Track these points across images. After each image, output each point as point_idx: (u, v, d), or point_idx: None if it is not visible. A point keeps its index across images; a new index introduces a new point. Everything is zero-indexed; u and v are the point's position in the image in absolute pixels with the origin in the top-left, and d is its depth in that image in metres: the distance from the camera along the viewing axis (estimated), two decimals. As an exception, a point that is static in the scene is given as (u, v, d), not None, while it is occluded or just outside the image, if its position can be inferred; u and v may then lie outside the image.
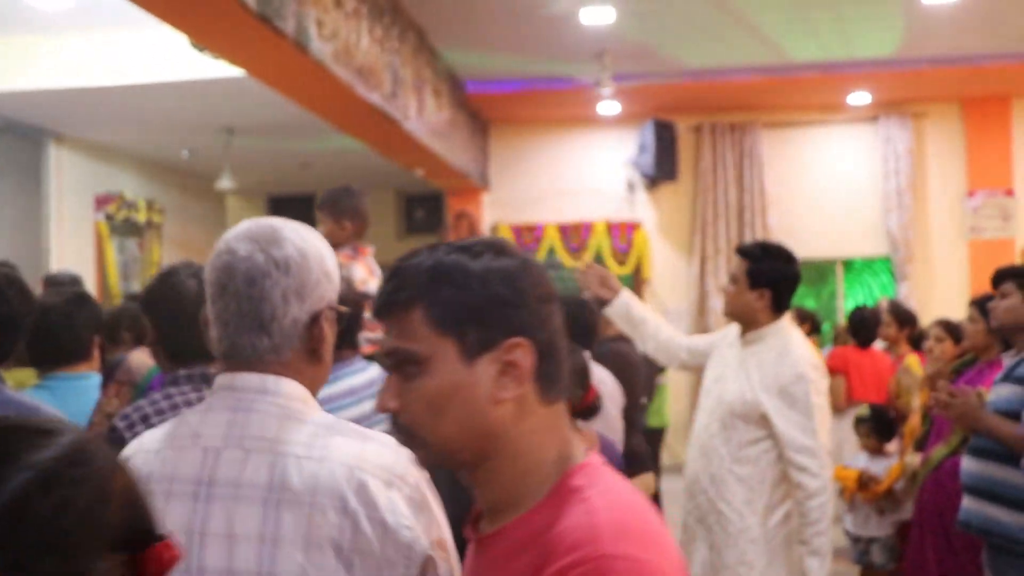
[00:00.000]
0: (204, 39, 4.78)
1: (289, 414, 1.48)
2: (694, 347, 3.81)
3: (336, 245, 3.78)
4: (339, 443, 1.45)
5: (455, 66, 8.31)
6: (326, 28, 5.12)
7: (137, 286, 9.73)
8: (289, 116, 7.78)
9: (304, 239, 1.56)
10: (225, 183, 8.82)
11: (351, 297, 3.02)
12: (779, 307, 3.46)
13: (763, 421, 3.36)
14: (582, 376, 3.08)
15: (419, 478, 1.47)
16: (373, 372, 3.06)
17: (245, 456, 1.44)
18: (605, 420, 4.35)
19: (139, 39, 6.63)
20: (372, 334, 3.58)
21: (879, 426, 5.23)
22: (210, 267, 1.54)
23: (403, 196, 12.86)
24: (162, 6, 4.28)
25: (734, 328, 3.61)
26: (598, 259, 10.23)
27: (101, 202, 8.99)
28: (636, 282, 10.40)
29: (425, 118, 7.42)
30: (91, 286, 8.88)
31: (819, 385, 3.36)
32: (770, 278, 3.41)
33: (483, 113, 9.78)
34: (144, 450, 1.53)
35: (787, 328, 3.49)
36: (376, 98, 6.13)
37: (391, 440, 1.46)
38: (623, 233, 10.12)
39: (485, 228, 10.28)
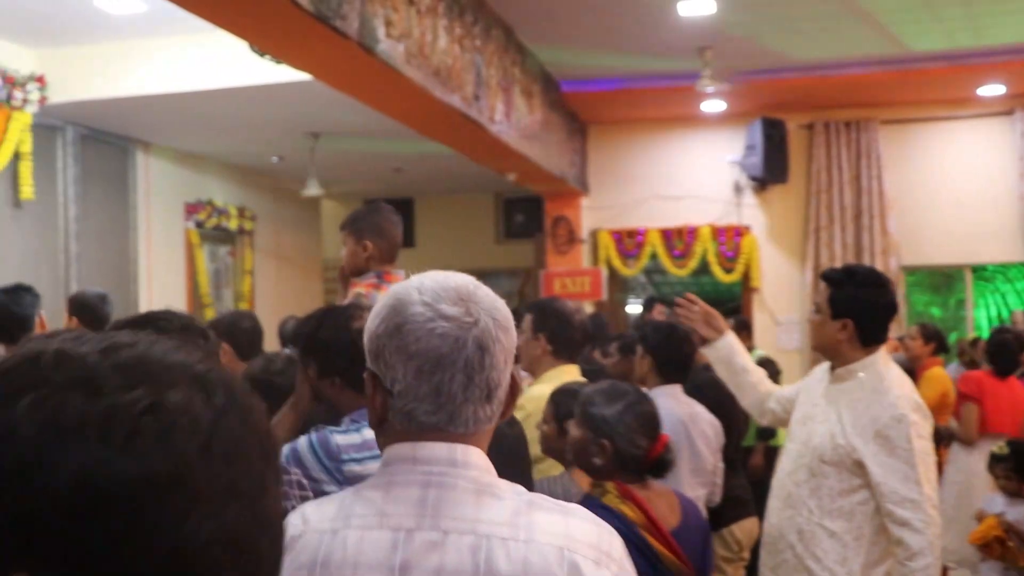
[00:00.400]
0: (261, 43, 4.48)
1: (484, 488, 1.37)
2: (782, 396, 3.39)
3: (357, 270, 3.38)
4: (543, 520, 1.34)
5: (547, 65, 7.89)
6: (396, 28, 4.77)
7: (228, 294, 9.61)
8: (375, 120, 7.49)
9: (488, 289, 1.46)
10: (312, 189, 8.58)
11: None
12: (868, 339, 3.07)
13: (857, 468, 2.96)
14: (649, 425, 2.64)
15: (622, 553, 1.39)
16: None
17: (443, 538, 1.32)
18: (697, 463, 3.88)
19: (217, 43, 6.41)
20: None
21: (1021, 465, 4.58)
22: (416, 336, 1.36)
23: (502, 199, 12.51)
24: (211, 10, 3.99)
25: (825, 364, 3.21)
26: (704, 266, 9.68)
27: (191, 209, 8.87)
28: (744, 291, 9.80)
29: (514, 120, 7.02)
30: (182, 294, 8.77)
31: (922, 428, 2.95)
32: (853, 307, 3.05)
33: (580, 114, 9.34)
34: (316, 529, 1.37)
35: (882, 363, 3.08)
36: (456, 101, 5.75)
37: (587, 512, 1.40)
38: (730, 238, 9.55)
39: (584, 233, 9.86)
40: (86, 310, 4.95)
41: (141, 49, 6.62)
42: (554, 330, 3.66)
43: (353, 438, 2.48)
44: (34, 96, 6.54)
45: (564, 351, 3.69)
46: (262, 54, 4.68)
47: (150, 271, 8.28)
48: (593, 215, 9.87)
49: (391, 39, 4.75)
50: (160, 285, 8.42)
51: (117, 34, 6.47)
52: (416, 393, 1.36)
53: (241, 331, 4.27)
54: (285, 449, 2.53)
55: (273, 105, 7.10)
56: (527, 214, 12.22)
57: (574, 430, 2.70)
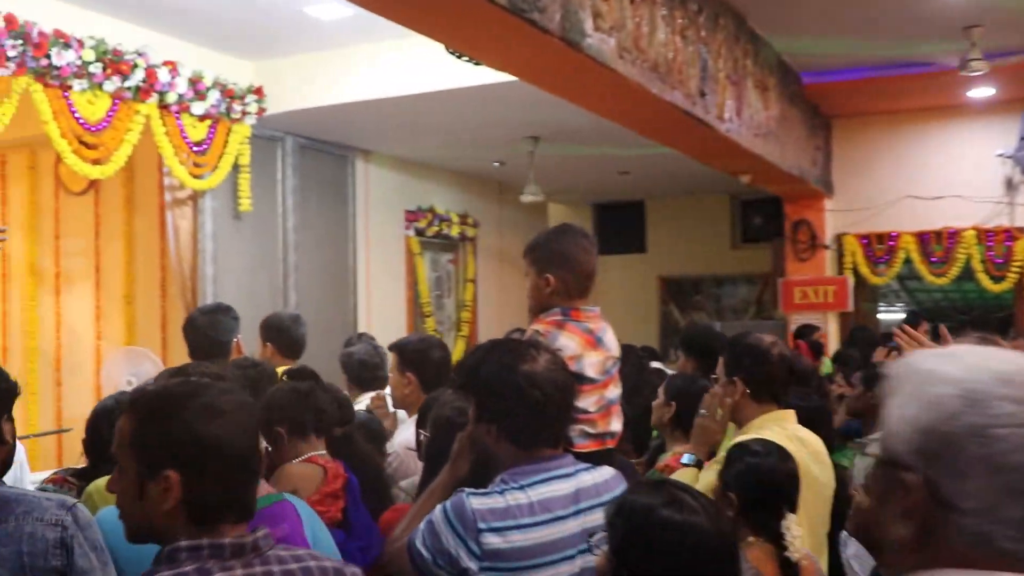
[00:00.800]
0: (454, 43, 4.09)
1: None
2: None
3: (541, 307, 2.87)
4: None
5: (785, 54, 7.15)
6: (606, 20, 4.26)
7: (450, 303, 9.43)
8: (595, 121, 7.01)
9: None
10: (530, 195, 8.21)
11: (555, 378, 2.22)
12: None
13: None
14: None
15: None
16: (585, 479, 2.24)
17: None
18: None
19: (429, 46, 6.14)
20: (589, 427, 2.67)
21: None
22: (1011, 445, 1.08)
23: (738, 201, 11.73)
24: (400, 11, 3.65)
25: None
26: (967, 272, 8.60)
27: (411, 217, 8.72)
28: (1018, 301, 8.64)
29: (747, 117, 6.35)
30: (402, 303, 8.65)
31: None
32: None
33: (823, 107, 8.49)
34: None
35: None
36: (679, 98, 5.19)
37: None
38: (999, 242, 8.43)
39: (828, 238, 8.99)
40: (280, 334, 4.75)
41: (354, 55, 6.46)
42: (750, 370, 3.13)
43: (494, 502, 2.10)
44: (252, 108, 6.51)
45: (766, 393, 3.14)
46: (459, 55, 4.30)
47: (369, 280, 8.18)
48: (838, 218, 8.99)
49: (600, 32, 4.25)
50: (380, 294, 8.31)
51: (330, 42, 6.32)
52: (1000, 515, 1.09)
53: (431, 363, 3.90)
54: (421, 524, 2.12)
55: (490, 108, 6.77)
56: (765, 216, 11.39)
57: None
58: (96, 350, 7.40)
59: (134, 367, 6.21)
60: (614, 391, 2.80)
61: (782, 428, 3.03)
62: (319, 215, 7.56)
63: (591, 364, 2.70)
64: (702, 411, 3.15)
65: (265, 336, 4.79)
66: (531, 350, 2.27)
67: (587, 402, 2.63)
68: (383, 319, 8.19)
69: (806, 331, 7.91)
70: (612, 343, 2.86)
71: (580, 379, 2.53)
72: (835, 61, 7.44)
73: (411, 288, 8.78)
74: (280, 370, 4.63)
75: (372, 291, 8.22)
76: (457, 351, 9.39)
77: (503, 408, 2.18)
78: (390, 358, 4.08)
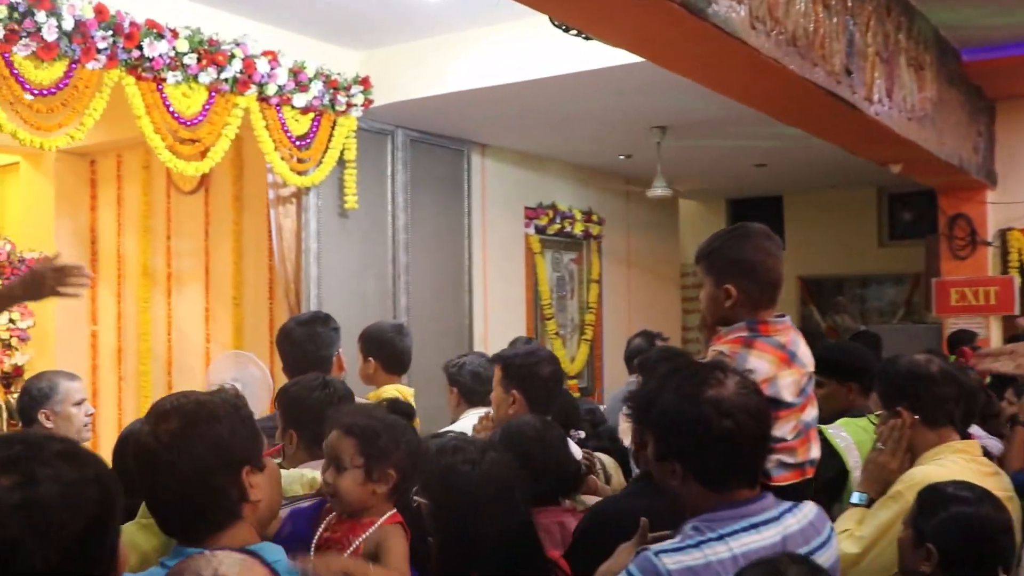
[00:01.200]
0: (561, 12, 3.60)
1: None
2: None
3: (721, 320, 2.46)
4: None
5: (943, 29, 6.39)
6: (736, -16, 3.70)
7: (573, 304, 8.94)
8: (727, 107, 6.42)
9: None
10: (658, 189, 7.63)
11: (748, 404, 1.92)
12: None
13: None
14: None
15: None
16: (790, 522, 1.94)
17: None
18: None
19: (543, 28, 5.68)
20: (788, 456, 2.36)
21: None
22: None
23: (886, 194, 10.88)
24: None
25: None
26: None
27: (531, 214, 8.27)
28: None
29: (899, 99, 5.65)
30: (521, 305, 8.22)
31: None
32: None
33: (987, 89, 7.63)
34: None
35: None
36: (820, 76, 4.56)
37: None
38: None
39: (990, 234, 8.12)
40: (382, 348, 4.33)
41: (464, 41, 6.04)
42: (915, 396, 2.77)
43: (692, 559, 1.80)
44: (358, 100, 6.17)
45: (941, 416, 2.78)
46: (566, 28, 3.80)
47: (486, 281, 7.77)
48: (1003, 212, 8.09)
49: (731, 1, 3.70)
50: (498, 296, 7.89)
51: (438, 27, 5.93)
52: None
53: (539, 380, 3.43)
54: None
55: (611, 95, 6.25)
56: (916, 211, 10.54)
57: None
58: (205, 353, 7.21)
59: (239, 371, 5.97)
60: (811, 413, 2.49)
61: (971, 462, 2.67)
62: (432, 213, 7.18)
63: (786, 386, 2.36)
64: (879, 445, 2.77)
65: (365, 350, 4.37)
66: (716, 373, 1.94)
67: (784, 429, 2.34)
68: (501, 322, 7.77)
69: (963, 337, 7.10)
70: (807, 357, 2.49)
71: (776, 404, 2.21)
72: (1000, 35, 6.62)
73: (531, 289, 8.33)
74: (378, 394, 4.24)
75: (489, 293, 7.81)
76: (580, 356, 8.90)
77: (689, 444, 1.89)
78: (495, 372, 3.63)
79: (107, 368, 7.82)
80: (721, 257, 2.54)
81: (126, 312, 7.78)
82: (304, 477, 2.81)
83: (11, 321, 6.94)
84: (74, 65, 4.64)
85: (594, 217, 9.06)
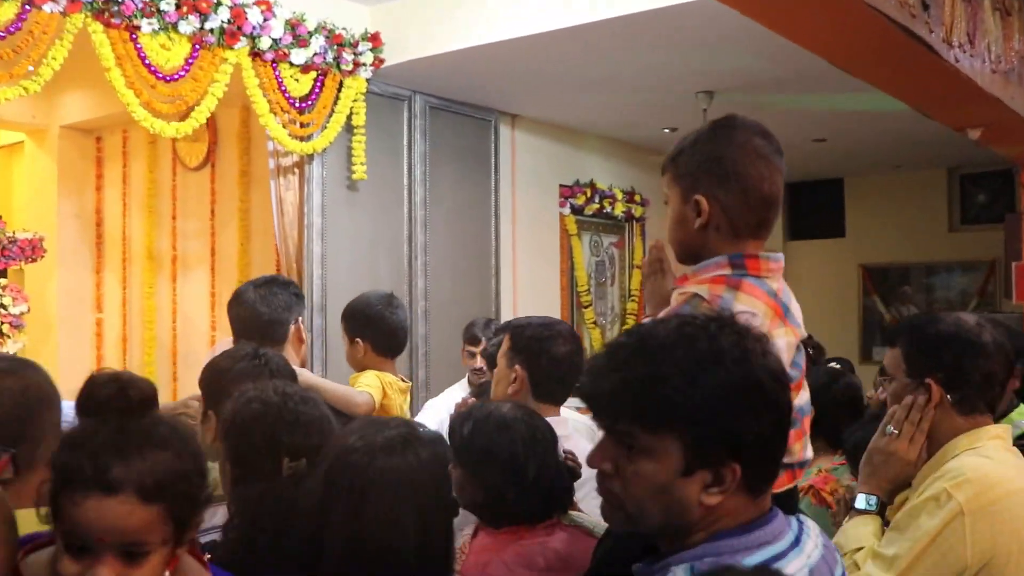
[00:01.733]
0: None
1: None
2: None
3: (690, 251, 1.88)
4: None
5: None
6: None
7: (614, 292, 8.25)
8: (781, 64, 5.72)
9: None
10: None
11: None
12: None
13: None
14: None
15: None
16: (809, 547, 1.39)
17: None
18: None
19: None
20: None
21: None
22: None
23: (957, 175, 10.04)
24: None
25: None
26: None
27: (567, 192, 7.60)
28: None
29: (982, 48, 4.89)
30: (555, 292, 7.57)
31: None
32: None
33: (1077, 47, 6.81)
34: None
35: None
36: (891, 6, 3.84)
37: None
38: None
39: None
40: (370, 325, 3.69)
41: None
42: (961, 369, 2.12)
43: None
44: (367, 59, 5.54)
45: (980, 400, 2.14)
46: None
47: (516, 265, 7.11)
48: (1095, 189, 7.28)
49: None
50: (528, 282, 7.23)
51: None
52: None
53: (549, 359, 2.79)
54: None
55: (651, 49, 5.56)
56: (992, 193, 9.71)
57: None
58: (211, 342, 6.64)
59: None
60: (804, 396, 1.85)
61: (1007, 451, 2.07)
62: (454, 187, 6.53)
63: (781, 349, 1.68)
64: (890, 429, 2.10)
65: (351, 330, 3.73)
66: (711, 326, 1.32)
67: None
68: (531, 309, 7.09)
69: (1050, 326, 6.34)
70: (799, 316, 1.86)
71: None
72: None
73: (566, 275, 7.66)
74: (366, 377, 3.62)
75: (519, 277, 7.15)
76: (621, 347, 8.21)
77: (750, 434, 1.30)
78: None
79: (112, 359, 7.31)
80: (696, 158, 1.87)
81: (131, 298, 7.27)
82: (212, 473, 2.20)
83: (1, 306, 6.44)
84: (27, 7, 4.08)
85: (637, 197, 8.36)
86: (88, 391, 1.62)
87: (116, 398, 1.56)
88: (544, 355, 2.75)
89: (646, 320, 1.82)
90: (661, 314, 1.80)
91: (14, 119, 7.02)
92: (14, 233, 6.58)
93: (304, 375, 3.27)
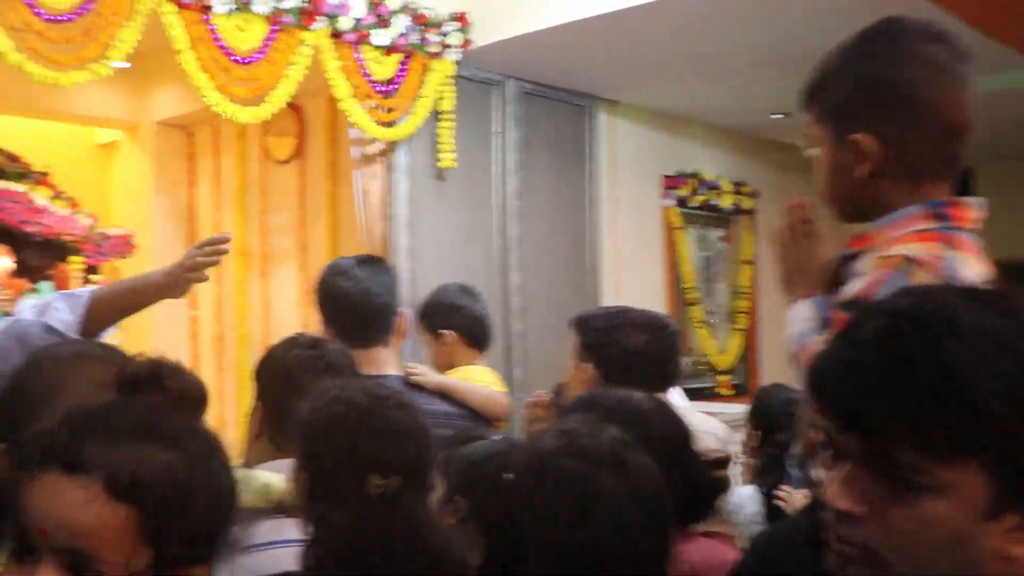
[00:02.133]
0: None
1: None
2: None
3: (852, 205, 1.57)
4: None
5: None
6: None
7: (722, 288, 7.81)
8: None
9: None
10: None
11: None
12: None
13: None
14: None
15: None
16: None
17: None
18: None
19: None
20: None
21: None
22: None
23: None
24: None
25: None
26: None
27: (671, 183, 7.19)
28: None
29: None
30: (659, 288, 7.18)
31: None
32: None
33: None
34: None
35: None
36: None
37: None
38: None
39: None
40: (453, 316, 3.39)
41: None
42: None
43: None
44: (455, 40, 5.26)
45: None
46: None
47: (617, 260, 6.74)
48: None
49: None
50: (630, 277, 6.85)
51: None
52: None
53: (620, 351, 2.45)
54: None
55: (756, 22, 5.15)
56: None
57: None
58: (302, 340, 6.48)
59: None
60: None
61: None
62: (550, 177, 6.20)
63: None
64: None
65: (434, 324, 3.41)
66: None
67: None
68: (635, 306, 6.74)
69: None
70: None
71: None
72: None
73: (671, 271, 7.25)
74: (475, 372, 3.31)
75: (620, 272, 6.78)
76: (732, 348, 7.76)
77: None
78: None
79: (207, 359, 7.21)
80: (843, 85, 1.50)
81: (225, 296, 7.17)
82: (257, 481, 1.90)
83: (94, 303, 6.39)
84: (94, -14, 3.92)
85: (746, 189, 7.88)
86: (121, 369, 1.41)
87: (147, 382, 1.36)
88: (614, 347, 2.44)
89: (839, 301, 1.42)
90: (856, 288, 1.39)
91: (110, 116, 6.99)
92: (104, 229, 6.54)
93: (433, 376, 2.96)
